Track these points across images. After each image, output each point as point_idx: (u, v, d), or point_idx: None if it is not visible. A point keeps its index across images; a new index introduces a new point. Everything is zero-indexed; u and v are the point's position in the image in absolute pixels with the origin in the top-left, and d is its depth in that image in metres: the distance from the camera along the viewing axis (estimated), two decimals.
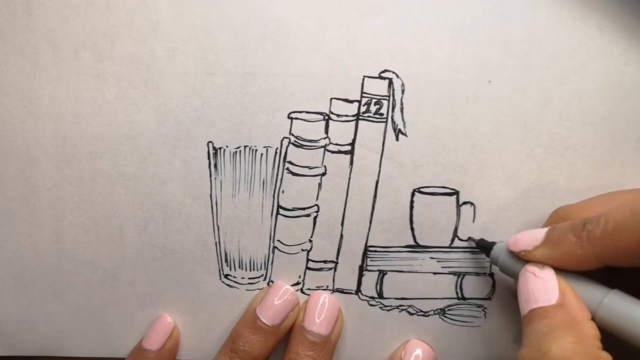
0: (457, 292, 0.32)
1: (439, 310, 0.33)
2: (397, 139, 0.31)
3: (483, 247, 0.31)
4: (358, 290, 0.33)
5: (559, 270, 0.26)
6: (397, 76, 0.31)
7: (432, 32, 0.30)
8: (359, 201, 0.32)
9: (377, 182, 0.32)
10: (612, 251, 0.25)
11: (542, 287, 0.26)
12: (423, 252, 0.32)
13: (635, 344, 0.24)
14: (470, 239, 0.32)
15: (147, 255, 0.33)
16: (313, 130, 0.31)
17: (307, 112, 0.31)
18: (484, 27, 0.30)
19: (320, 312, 0.32)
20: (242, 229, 0.32)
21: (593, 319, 0.25)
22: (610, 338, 0.25)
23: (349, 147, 0.32)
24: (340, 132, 0.31)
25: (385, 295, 0.33)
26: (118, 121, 0.32)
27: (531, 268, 0.27)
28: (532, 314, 0.25)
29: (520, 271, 0.27)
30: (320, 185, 0.32)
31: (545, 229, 0.27)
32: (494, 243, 0.30)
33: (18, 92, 0.31)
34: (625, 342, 0.24)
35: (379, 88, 0.31)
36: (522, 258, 0.28)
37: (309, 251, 0.33)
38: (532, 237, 0.27)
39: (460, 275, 0.32)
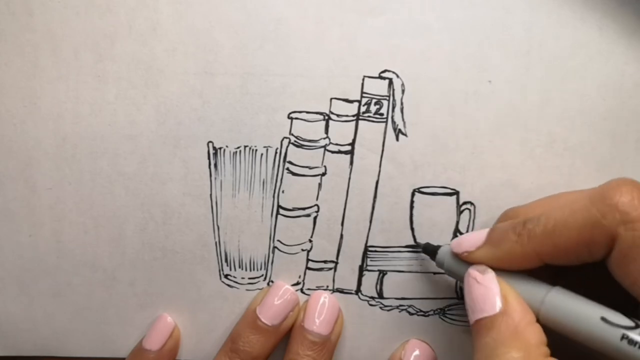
0: (457, 292, 0.32)
1: (439, 310, 0.33)
2: (397, 139, 0.31)
3: (429, 251, 0.30)
4: (358, 290, 0.33)
5: (502, 270, 0.26)
6: (397, 76, 0.31)
7: (432, 32, 0.30)
8: (359, 201, 0.32)
9: (377, 182, 0.32)
10: (552, 249, 0.25)
11: (484, 294, 0.26)
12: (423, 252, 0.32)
13: (578, 340, 0.24)
14: (417, 244, 0.32)
15: (147, 255, 0.33)
16: (313, 130, 0.31)
17: (307, 112, 0.31)
18: (484, 27, 0.30)
19: (320, 312, 0.32)
20: (242, 229, 0.32)
21: (538, 318, 0.25)
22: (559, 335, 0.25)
23: (349, 147, 0.32)
24: (340, 132, 0.31)
25: (385, 295, 0.33)
26: (118, 121, 0.32)
27: (473, 273, 0.27)
28: (479, 325, 0.25)
29: (464, 276, 0.27)
30: (320, 185, 0.32)
31: (484, 230, 0.27)
32: (439, 246, 0.30)
33: (18, 92, 0.31)
34: (570, 339, 0.24)
35: (379, 88, 0.31)
36: (465, 260, 0.28)
37: (309, 251, 0.33)
38: (474, 238, 0.27)
39: None
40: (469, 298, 0.26)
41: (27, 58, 0.31)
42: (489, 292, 0.26)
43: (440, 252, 0.30)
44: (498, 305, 0.25)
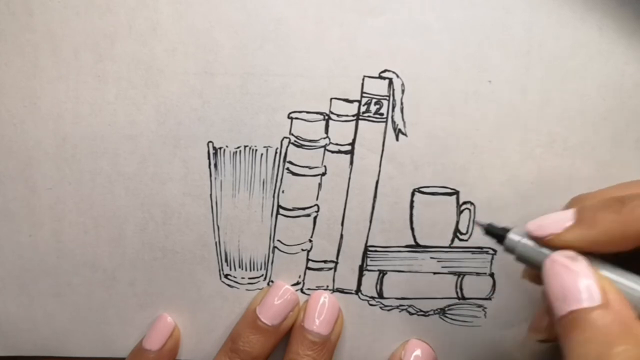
0: (457, 292, 0.32)
1: (439, 310, 0.33)
2: (397, 139, 0.31)
3: (494, 233, 0.27)
4: (358, 290, 0.33)
5: (590, 255, 0.23)
6: (397, 76, 0.31)
7: (432, 32, 0.30)
8: (359, 201, 0.32)
9: (377, 182, 0.32)
10: None
11: (579, 283, 0.22)
12: (423, 252, 0.32)
13: None
14: (476, 222, 0.31)
15: (147, 255, 0.33)
16: (313, 130, 0.31)
17: (307, 112, 0.31)
18: (484, 27, 0.30)
19: (320, 312, 0.32)
20: (242, 229, 0.32)
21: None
22: None
23: (349, 147, 0.32)
24: (340, 132, 0.31)
25: (385, 295, 0.33)
26: (118, 121, 0.32)
27: (561, 259, 0.23)
28: (574, 317, 0.22)
29: (546, 262, 0.24)
30: (320, 185, 0.32)
31: (570, 210, 0.24)
32: (504, 229, 0.26)
33: (18, 92, 0.31)
34: None
35: (379, 88, 0.31)
36: (548, 244, 0.24)
37: (309, 251, 0.33)
38: (559, 219, 0.24)
39: (460, 275, 0.32)
40: (557, 287, 0.23)
41: (27, 58, 0.31)
42: (584, 280, 0.22)
43: (511, 235, 0.26)
44: (597, 296, 0.22)
